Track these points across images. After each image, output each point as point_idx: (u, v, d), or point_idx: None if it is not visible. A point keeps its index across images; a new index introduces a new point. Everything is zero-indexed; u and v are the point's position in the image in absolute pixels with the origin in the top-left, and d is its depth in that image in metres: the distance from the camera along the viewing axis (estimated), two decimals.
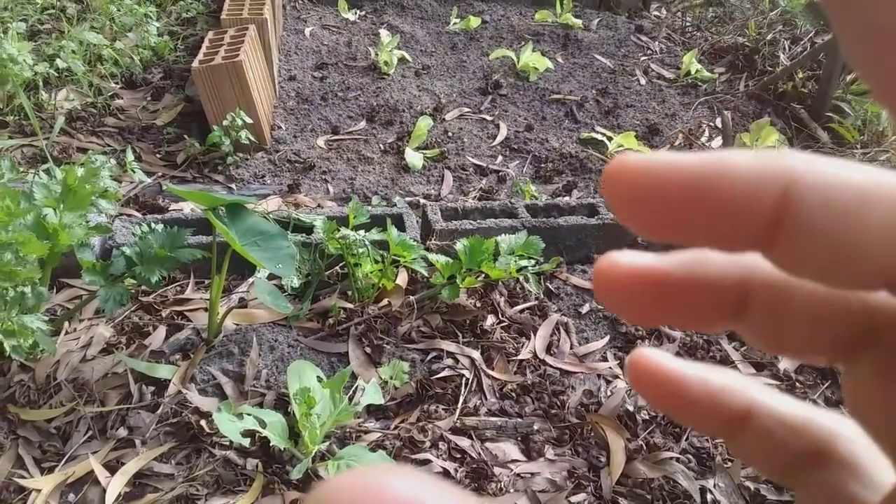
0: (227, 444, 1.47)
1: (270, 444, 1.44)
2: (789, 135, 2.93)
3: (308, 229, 1.93)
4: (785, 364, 1.82)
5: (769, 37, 3.56)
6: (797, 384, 1.76)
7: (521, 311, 1.89)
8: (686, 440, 1.58)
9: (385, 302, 1.86)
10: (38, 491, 1.39)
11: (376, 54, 3.16)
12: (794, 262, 0.18)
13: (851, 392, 0.20)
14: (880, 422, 0.19)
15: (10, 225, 1.49)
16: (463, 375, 1.69)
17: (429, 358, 1.73)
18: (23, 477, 1.41)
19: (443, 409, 1.61)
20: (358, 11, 3.68)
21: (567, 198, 2.43)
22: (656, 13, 4.10)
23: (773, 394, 0.24)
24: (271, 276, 1.82)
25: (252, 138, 2.44)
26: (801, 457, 0.23)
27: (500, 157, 2.71)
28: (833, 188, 0.17)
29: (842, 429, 0.23)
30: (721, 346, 1.85)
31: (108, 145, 2.48)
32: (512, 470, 1.50)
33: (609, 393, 1.69)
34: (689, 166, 0.18)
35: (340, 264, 1.90)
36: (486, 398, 1.66)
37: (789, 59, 3.35)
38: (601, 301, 0.21)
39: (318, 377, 1.54)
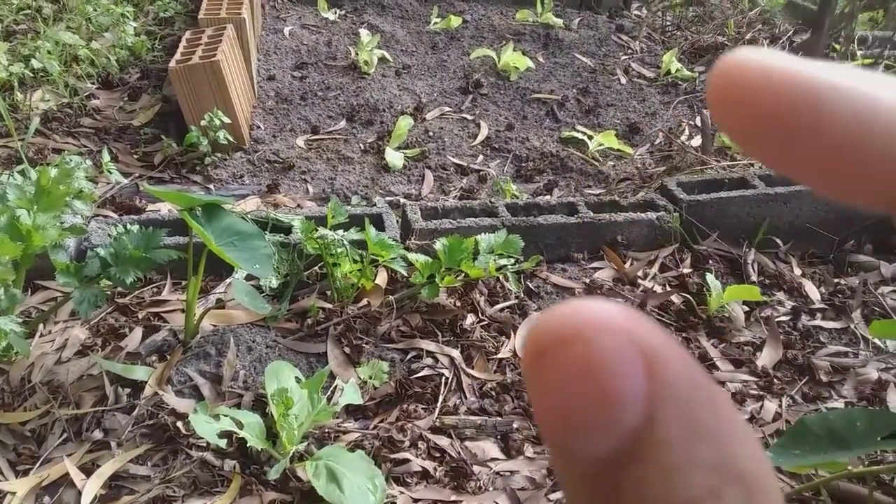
0: (204, 445, 1.46)
1: (248, 445, 1.43)
2: None
3: (287, 229, 1.92)
4: (763, 361, 1.82)
5: (748, 36, 3.58)
6: (775, 380, 1.77)
7: (501, 309, 1.89)
8: None
9: (364, 302, 1.86)
10: (14, 494, 1.37)
11: (356, 54, 3.15)
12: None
13: None
14: None
15: None
16: (442, 374, 1.68)
17: (408, 357, 1.73)
18: None
19: (422, 408, 1.61)
20: (338, 11, 3.66)
21: (547, 197, 2.43)
22: (637, 12, 4.12)
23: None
24: (249, 277, 1.81)
25: (230, 138, 2.42)
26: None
27: (480, 157, 2.71)
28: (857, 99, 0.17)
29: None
30: (700, 344, 1.85)
31: (85, 146, 2.45)
32: (491, 468, 1.50)
33: None
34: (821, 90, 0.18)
35: (319, 264, 1.90)
36: (465, 397, 1.65)
37: None
38: (717, 119, 0.19)
39: (296, 377, 1.53)
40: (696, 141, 2.84)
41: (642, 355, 0.17)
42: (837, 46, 3.30)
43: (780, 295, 2.05)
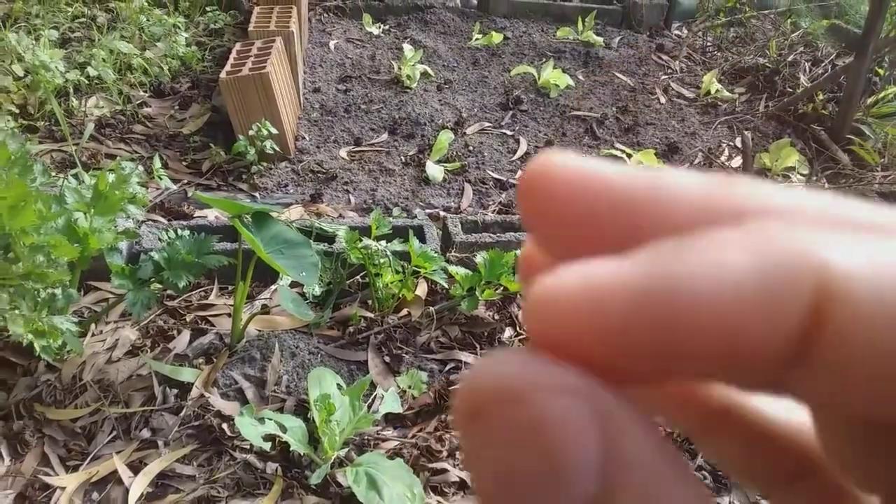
0: (248, 447, 1.50)
1: (290, 449, 1.46)
2: (809, 156, 2.93)
3: (330, 238, 1.96)
4: None
5: (790, 58, 3.57)
6: None
7: None
8: (702, 457, 1.59)
9: (405, 312, 1.89)
10: (63, 489, 1.42)
11: (399, 68, 3.20)
12: (828, 392, 0.14)
13: None
14: None
15: (42, 228, 1.53)
16: None
17: (447, 368, 1.75)
18: (48, 475, 1.44)
19: None
20: (382, 25, 3.72)
21: None
22: (677, 32, 4.13)
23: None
24: (294, 284, 1.85)
25: (276, 148, 2.48)
26: (785, 469, 0.20)
27: (519, 172, 2.73)
28: (881, 300, 0.13)
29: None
30: None
31: (136, 152, 2.52)
32: None
33: None
34: (662, 287, 0.14)
35: (361, 274, 1.93)
36: None
37: (810, 81, 3.37)
38: (523, 213, 0.18)
39: (337, 384, 1.56)
40: (737, 162, 2.84)
41: (596, 421, 0.14)
42: (881, 71, 3.28)
43: None
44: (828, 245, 0.13)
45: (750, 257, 0.13)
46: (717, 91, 3.34)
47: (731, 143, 3.01)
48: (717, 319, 0.13)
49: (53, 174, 2.14)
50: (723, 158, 2.88)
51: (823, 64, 3.54)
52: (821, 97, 3.23)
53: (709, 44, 4.00)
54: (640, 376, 0.15)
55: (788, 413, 0.20)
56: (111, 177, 1.67)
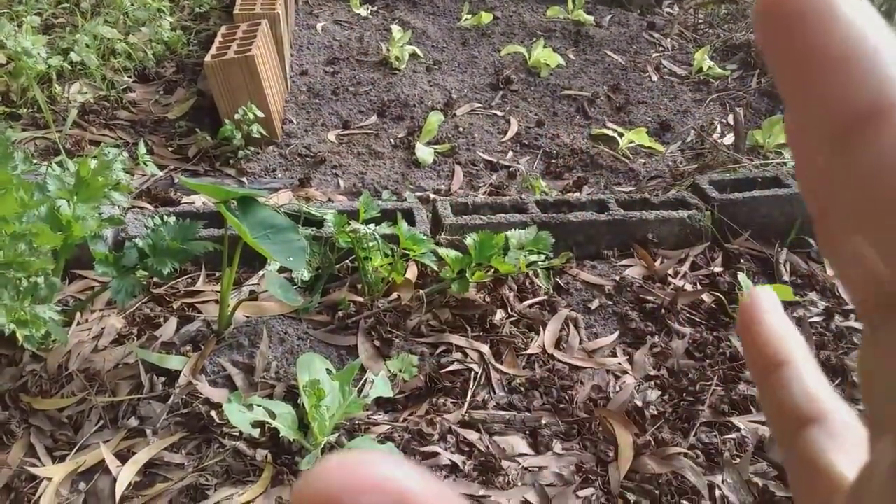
0: (237, 434, 1.48)
1: (280, 436, 1.45)
2: None
3: (318, 223, 1.94)
4: None
5: None
6: None
7: (531, 305, 1.90)
8: (694, 436, 1.58)
9: (394, 296, 1.87)
10: (50, 479, 1.40)
11: (388, 49, 3.17)
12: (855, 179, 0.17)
13: (866, 352, 0.20)
14: (881, 386, 0.19)
15: (24, 216, 1.50)
16: (472, 369, 1.69)
17: (438, 352, 1.74)
18: (34, 465, 1.43)
19: (451, 402, 1.62)
20: (370, 7, 3.68)
21: (577, 193, 2.43)
22: (668, 10, 4.09)
23: (809, 362, 0.27)
24: (282, 269, 1.83)
25: (263, 132, 2.45)
26: (803, 419, 0.25)
27: (510, 153, 2.71)
28: None
29: (843, 409, 0.25)
30: (731, 343, 1.84)
31: (121, 138, 2.49)
32: (520, 463, 1.50)
33: (618, 388, 1.69)
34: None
35: (351, 258, 1.91)
36: (494, 392, 1.66)
37: None
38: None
39: (327, 370, 1.55)
40: (729, 139, 2.82)
41: None
42: None
43: (813, 295, 2.03)
44: None
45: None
46: (709, 68, 3.31)
47: (723, 121, 2.99)
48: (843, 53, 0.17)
49: (36, 162, 2.11)
50: (715, 136, 2.86)
51: None
52: None
53: (700, 21, 3.96)
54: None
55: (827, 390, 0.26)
56: (94, 163, 1.64)
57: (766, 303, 0.28)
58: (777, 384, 0.26)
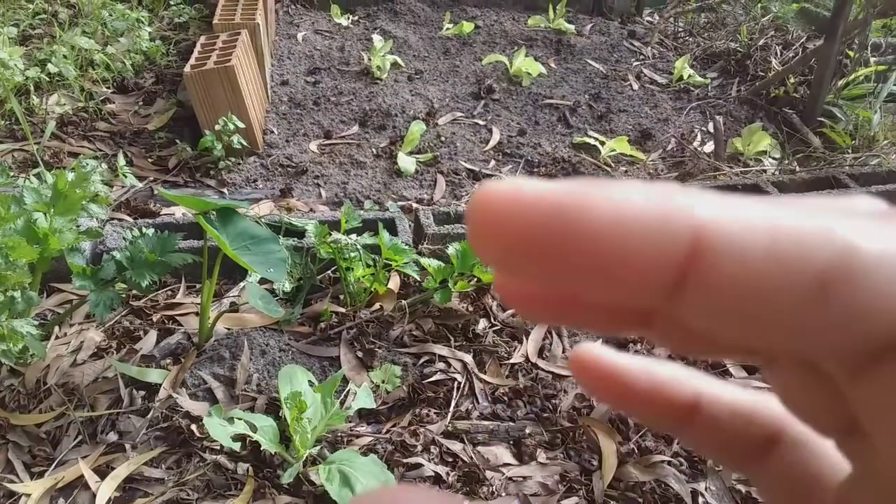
0: (218, 448, 1.46)
1: (261, 449, 1.43)
2: (781, 139, 2.93)
3: (300, 233, 1.93)
4: None
5: (761, 42, 3.58)
6: None
7: (514, 314, 1.89)
8: (678, 443, 1.58)
9: (377, 306, 1.86)
10: (28, 496, 1.38)
11: (369, 59, 3.16)
12: (703, 314, 0.16)
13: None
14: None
15: (0, 229, 1.48)
16: (455, 379, 1.69)
17: (421, 362, 1.73)
18: (12, 482, 1.40)
19: (434, 412, 1.61)
20: (351, 16, 3.68)
21: None
22: (649, 19, 4.12)
23: (718, 383, 0.24)
24: (263, 281, 1.82)
25: (244, 143, 2.44)
26: (756, 443, 0.23)
27: (492, 162, 2.71)
28: (743, 238, 0.16)
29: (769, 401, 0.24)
30: None
31: (100, 150, 2.47)
32: (504, 473, 1.50)
33: None
34: (574, 203, 0.16)
35: (332, 268, 1.90)
36: (478, 402, 1.65)
37: (781, 65, 3.37)
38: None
39: (309, 381, 1.54)
40: (709, 147, 2.84)
41: None
42: (851, 53, 3.29)
43: None
44: (707, 201, 0.17)
45: (651, 198, 0.16)
46: (690, 76, 3.34)
47: (703, 129, 3.01)
48: (617, 234, 0.16)
49: (14, 174, 2.09)
50: (695, 144, 2.87)
51: (794, 47, 3.54)
52: (792, 80, 3.23)
53: (680, 29, 3.99)
54: (552, 279, 0.17)
55: (748, 394, 0.24)
56: (71, 175, 1.62)
57: (600, 354, 0.24)
58: (704, 429, 0.23)
